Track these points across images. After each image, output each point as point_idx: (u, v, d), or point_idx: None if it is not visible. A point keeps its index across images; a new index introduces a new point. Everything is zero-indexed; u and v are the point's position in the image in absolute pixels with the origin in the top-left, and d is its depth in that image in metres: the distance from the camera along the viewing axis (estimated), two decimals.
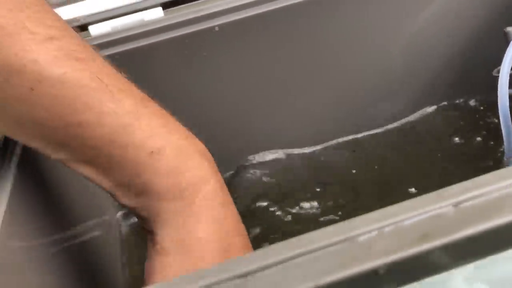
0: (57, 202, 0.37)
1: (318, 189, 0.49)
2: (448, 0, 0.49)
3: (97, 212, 0.46)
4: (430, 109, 0.55)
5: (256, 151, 0.52)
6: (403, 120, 0.54)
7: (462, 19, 0.50)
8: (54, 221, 0.34)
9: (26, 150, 0.32)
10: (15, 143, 0.32)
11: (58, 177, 0.38)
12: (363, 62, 0.50)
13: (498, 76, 0.44)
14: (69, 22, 0.45)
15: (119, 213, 0.51)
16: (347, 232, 0.17)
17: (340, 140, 0.53)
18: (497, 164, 0.47)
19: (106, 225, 0.47)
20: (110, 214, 0.49)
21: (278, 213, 0.47)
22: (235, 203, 0.29)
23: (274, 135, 0.51)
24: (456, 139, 0.52)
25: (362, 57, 0.49)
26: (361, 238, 0.17)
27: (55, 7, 0.46)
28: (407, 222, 0.18)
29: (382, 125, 0.54)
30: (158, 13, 0.45)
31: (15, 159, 0.31)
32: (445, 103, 0.55)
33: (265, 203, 0.48)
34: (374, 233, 0.17)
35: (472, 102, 0.55)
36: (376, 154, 0.52)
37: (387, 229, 0.18)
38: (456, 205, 0.18)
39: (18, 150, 0.32)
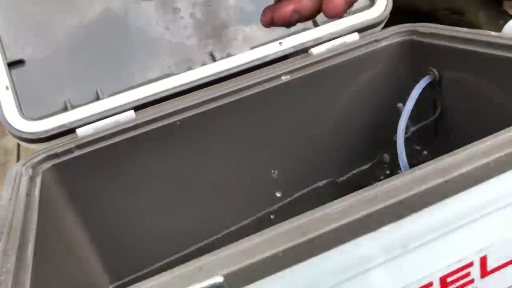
0: (52, 276, 0.45)
1: None
2: (358, 87, 0.63)
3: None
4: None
5: None
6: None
7: (369, 100, 0.64)
8: None
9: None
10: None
11: (54, 252, 0.47)
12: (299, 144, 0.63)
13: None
14: (58, 127, 0.57)
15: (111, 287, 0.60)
16: None
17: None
18: None
19: None
20: None
21: None
22: None
23: None
24: None
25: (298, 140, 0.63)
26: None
27: (46, 117, 0.58)
28: None
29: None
30: (131, 115, 0.58)
31: None
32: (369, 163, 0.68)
33: None
34: None
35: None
36: None
37: None
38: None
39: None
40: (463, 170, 0.31)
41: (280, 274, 0.28)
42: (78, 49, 0.61)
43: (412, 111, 0.60)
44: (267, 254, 0.28)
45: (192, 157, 0.58)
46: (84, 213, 0.55)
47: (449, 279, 0.34)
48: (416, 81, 0.61)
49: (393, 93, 0.62)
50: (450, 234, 0.32)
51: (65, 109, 0.59)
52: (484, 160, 0.31)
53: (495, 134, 0.33)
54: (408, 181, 0.31)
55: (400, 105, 0.60)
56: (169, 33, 0.64)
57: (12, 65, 0.60)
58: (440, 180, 0.30)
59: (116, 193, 0.56)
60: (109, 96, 0.60)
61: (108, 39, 0.62)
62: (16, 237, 0.38)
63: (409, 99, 0.59)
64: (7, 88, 0.59)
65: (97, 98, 0.59)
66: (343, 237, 0.29)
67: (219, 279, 0.27)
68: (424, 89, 0.60)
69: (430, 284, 0.34)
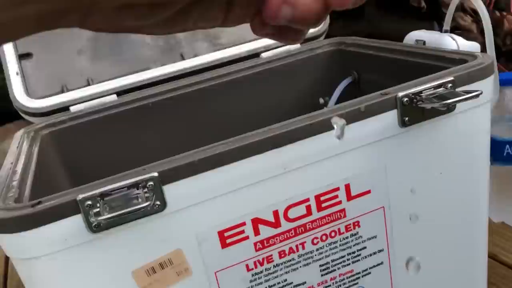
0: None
1: None
2: (298, 84, 0.79)
3: None
4: None
5: None
6: None
7: (306, 94, 0.80)
8: None
9: None
10: None
11: (45, 185, 0.62)
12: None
13: None
14: (56, 105, 0.73)
15: None
16: None
17: None
18: None
19: None
20: None
21: None
22: None
23: None
24: None
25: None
26: None
27: (47, 97, 0.74)
28: None
29: None
30: (114, 98, 0.73)
31: None
32: None
33: None
34: None
35: None
36: None
37: None
38: None
39: None
40: (320, 118, 0.46)
41: (195, 176, 0.43)
42: (75, 46, 0.77)
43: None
44: (188, 161, 0.43)
45: (160, 132, 0.74)
46: (72, 168, 0.70)
47: (322, 198, 0.49)
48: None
49: (325, 89, 0.78)
50: (319, 163, 0.47)
51: (62, 91, 0.74)
52: (334, 114, 0.47)
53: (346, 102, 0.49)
54: (286, 122, 0.46)
55: (327, 98, 0.76)
56: (148, 36, 0.80)
57: (22, 56, 0.76)
58: (306, 123, 0.46)
59: (97, 154, 0.71)
60: (98, 83, 0.75)
61: (100, 40, 0.78)
62: (21, 164, 0.53)
63: (333, 95, 0.75)
64: (17, 74, 0.75)
65: (88, 84, 0.75)
66: (238, 156, 0.44)
67: (155, 174, 0.42)
68: (348, 86, 0.76)
69: (307, 200, 0.48)
